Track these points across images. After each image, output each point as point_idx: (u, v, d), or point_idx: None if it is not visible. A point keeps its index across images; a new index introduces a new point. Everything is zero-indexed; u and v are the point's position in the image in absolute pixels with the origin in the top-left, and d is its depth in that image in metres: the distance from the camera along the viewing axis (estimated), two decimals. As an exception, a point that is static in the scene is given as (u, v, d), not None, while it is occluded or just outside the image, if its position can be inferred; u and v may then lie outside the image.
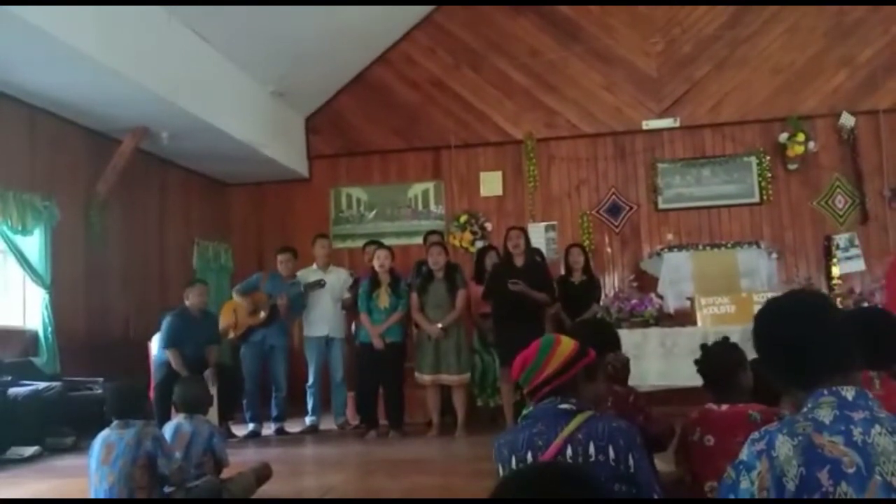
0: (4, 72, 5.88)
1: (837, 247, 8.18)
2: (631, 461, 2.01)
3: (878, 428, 1.40)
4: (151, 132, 7.33)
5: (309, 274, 7.16)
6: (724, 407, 2.66)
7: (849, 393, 1.47)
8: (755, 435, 1.47)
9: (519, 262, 6.29)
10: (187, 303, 6.47)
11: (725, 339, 2.90)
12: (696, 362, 2.88)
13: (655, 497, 2.03)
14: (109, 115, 6.84)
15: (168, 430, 4.02)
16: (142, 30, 6.27)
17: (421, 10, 9.17)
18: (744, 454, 1.46)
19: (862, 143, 8.45)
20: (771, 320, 1.62)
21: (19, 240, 6.34)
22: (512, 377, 2.35)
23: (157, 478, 3.43)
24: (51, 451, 5.80)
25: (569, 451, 2.03)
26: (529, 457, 2.06)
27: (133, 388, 3.76)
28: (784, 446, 1.40)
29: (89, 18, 5.60)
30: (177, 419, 4.11)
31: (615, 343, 3.26)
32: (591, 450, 2.02)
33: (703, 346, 2.93)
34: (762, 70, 8.63)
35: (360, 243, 8.06)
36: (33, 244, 6.47)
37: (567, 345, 2.23)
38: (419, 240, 8.11)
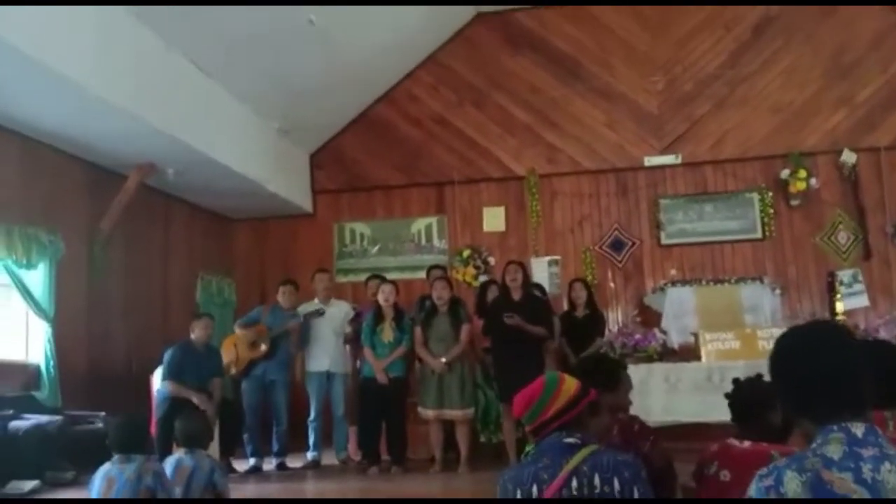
0: (4, 105, 5.86)
1: (841, 283, 8.16)
2: (636, 494, 2.02)
3: (887, 465, 1.39)
4: (157, 168, 7.38)
5: (310, 308, 7.15)
6: (747, 444, 2.63)
7: (858, 430, 1.46)
8: (763, 471, 1.46)
9: (516, 295, 6.28)
10: (192, 336, 6.46)
11: (759, 375, 2.83)
12: (727, 396, 2.87)
13: None
14: (114, 150, 6.88)
15: (169, 464, 4.00)
16: (144, 65, 6.29)
17: (424, 49, 9.30)
18: (752, 490, 1.45)
19: (863, 179, 8.49)
20: (789, 349, 1.62)
21: (23, 273, 6.35)
22: (514, 414, 2.36)
23: None
24: (50, 485, 5.74)
25: (574, 484, 2.03)
26: (535, 490, 2.06)
27: (135, 422, 3.76)
28: (792, 482, 1.39)
29: (91, 54, 5.64)
30: (178, 454, 4.09)
31: (618, 376, 3.28)
32: (597, 482, 2.02)
33: (736, 381, 2.94)
34: (762, 109, 8.72)
35: (363, 277, 8.06)
36: (37, 278, 6.47)
37: (571, 383, 2.26)
38: (422, 274, 8.12)
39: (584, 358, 4.95)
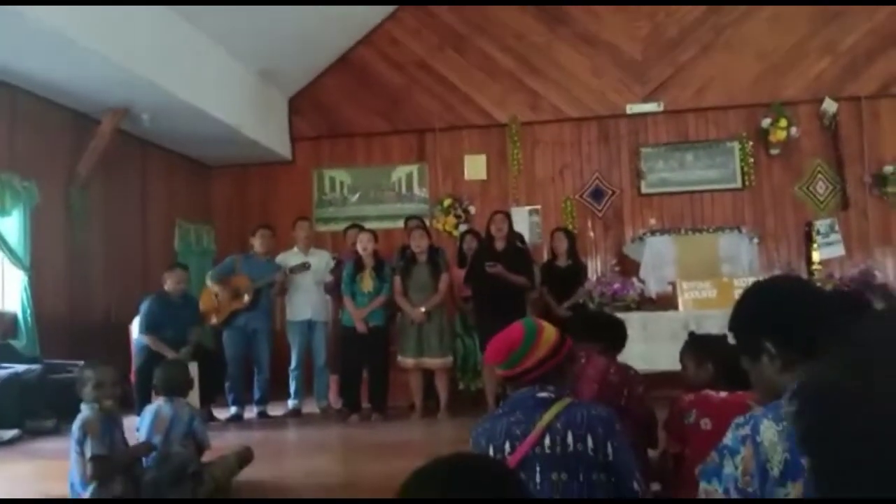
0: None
1: (818, 232, 8.25)
2: (609, 449, 2.01)
3: None
4: (132, 113, 7.24)
5: (290, 257, 7.11)
6: (723, 393, 2.70)
7: None
8: (739, 420, 1.47)
9: (499, 245, 6.32)
10: (166, 287, 6.42)
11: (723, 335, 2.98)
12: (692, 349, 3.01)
13: (635, 485, 2.03)
14: (90, 95, 6.74)
15: (148, 413, 4.00)
16: (122, 9, 6.15)
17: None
18: (728, 438, 1.47)
19: (843, 129, 8.49)
20: (762, 298, 1.61)
21: (-2, 221, 6.26)
22: (487, 360, 2.33)
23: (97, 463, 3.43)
24: (31, 433, 5.76)
25: (547, 441, 2.02)
26: (507, 447, 2.05)
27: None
28: (769, 431, 1.40)
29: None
30: (157, 402, 4.09)
31: (625, 339, 3.38)
32: (570, 439, 2.01)
33: (692, 334, 3.06)
34: (746, 55, 8.64)
35: (343, 226, 8.01)
36: (12, 225, 6.39)
37: (550, 332, 2.21)
38: (403, 223, 8.09)
39: (592, 315, 4.96)
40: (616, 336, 3.42)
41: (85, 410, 3.52)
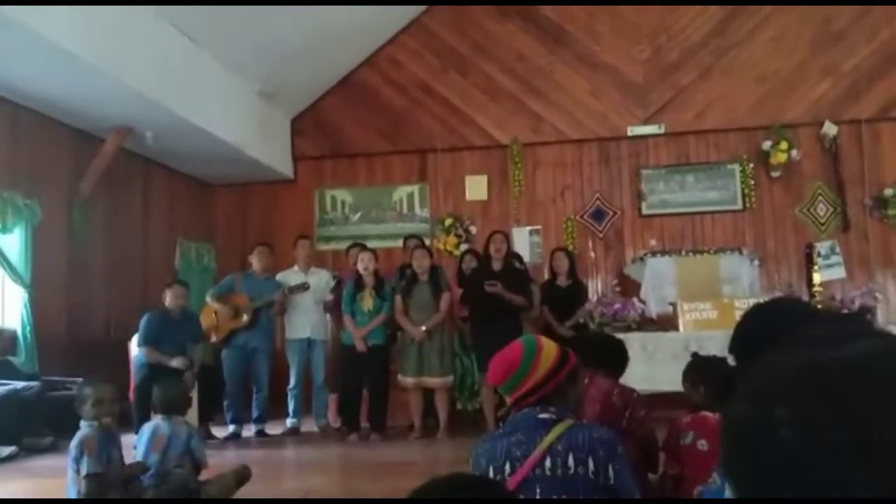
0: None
1: (819, 254, 8.24)
2: (611, 472, 1.99)
3: None
4: (135, 132, 7.27)
5: (290, 276, 7.12)
6: (720, 415, 2.69)
7: None
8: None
9: (497, 265, 6.33)
10: (166, 303, 6.43)
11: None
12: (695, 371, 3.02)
13: None
14: (93, 113, 6.78)
15: (145, 431, 4.00)
16: (127, 28, 6.21)
17: (408, 13, 9.16)
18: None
19: (844, 152, 8.52)
20: (762, 320, 1.61)
21: (-1, 238, 6.27)
22: (489, 381, 2.30)
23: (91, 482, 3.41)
24: (28, 451, 5.73)
25: (547, 463, 1.99)
26: (507, 467, 2.02)
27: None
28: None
29: (74, 15, 5.54)
30: (154, 420, 4.08)
31: (626, 363, 3.37)
32: (571, 462, 1.99)
33: (695, 355, 3.06)
34: (747, 78, 8.69)
35: (344, 245, 8.03)
36: (13, 243, 6.40)
37: (550, 351, 2.16)
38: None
39: (592, 340, 4.91)
40: (618, 360, 3.41)
41: (84, 428, 3.51)
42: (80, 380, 4.28)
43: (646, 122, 8.86)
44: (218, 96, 7.78)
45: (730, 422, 0.63)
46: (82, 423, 3.54)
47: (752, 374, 0.64)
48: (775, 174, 8.59)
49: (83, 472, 3.38)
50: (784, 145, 8.41)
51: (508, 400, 2.20)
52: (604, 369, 3.21)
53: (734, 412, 0.63)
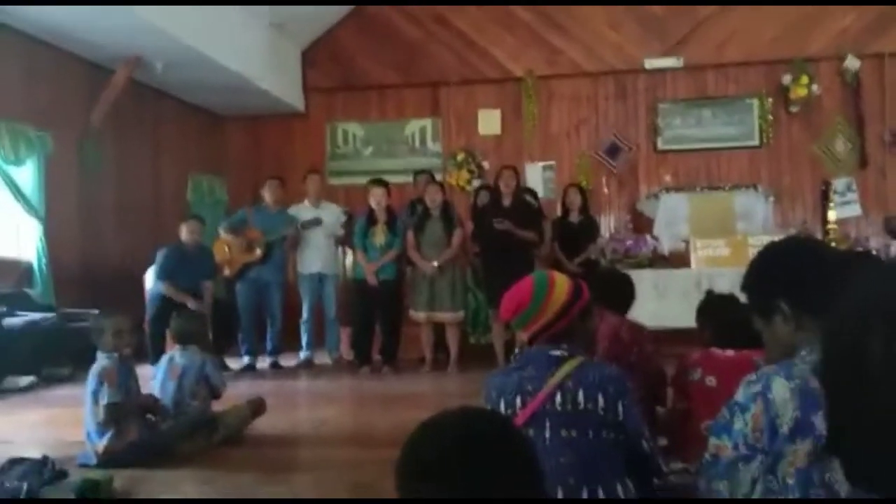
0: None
1: (835, 191, 8.15)
2: (620, 408, 2.00)
3: None
4: (145, 62, 7.19)
5: (301, 210, 7.12)
6: (729, 352, 2.70)
7: None
8: (752, 377, 1.46)
9: (507, 201, 6.30)
10: (182, 237, 6.46)
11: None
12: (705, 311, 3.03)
13: (644, 444, 2.04)
14: (103, 43, 6.69)
15: (162, 362, 4.08)
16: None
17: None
18: (739, 395, 1.46)
19: (865, 86, 8.33)
20: (777, 258, 1.60)
21: (12, 170, 6.28)
22: (502, 317, 2.28)
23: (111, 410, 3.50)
24: (47, 381, 5.85)
25: (558, 398, 2.01)
26: (518, 401, 2.04)
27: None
28: (780, 389, 1.40)
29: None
30: (171, 352, 4.15)
31: (632, 302, 3.38)
32: (581, 398, 2.00)
33: (709, 293, 3.11)
34: (768, 10, 8.41)
35: (356, 180, 8.00)
36: (27, 175, 6.41)
37: (562, 287, 2.14)
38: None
39: (600, 277, 4.90)
40: (624, 297, 3.42)
41: (102, 359, 3.57)
42: (96, 311, 4.34)
43: (664, 54, 8.65)
44: (228, 26, 7.64)
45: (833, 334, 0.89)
46: (99, 355, 3.59)
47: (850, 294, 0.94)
48: (794, 109, 8.43)
49: (103, 401, 3.45)
50: (805, 79, 8.23)
51: (522, 335, 2.19)
52: (609, 306, 3.21)
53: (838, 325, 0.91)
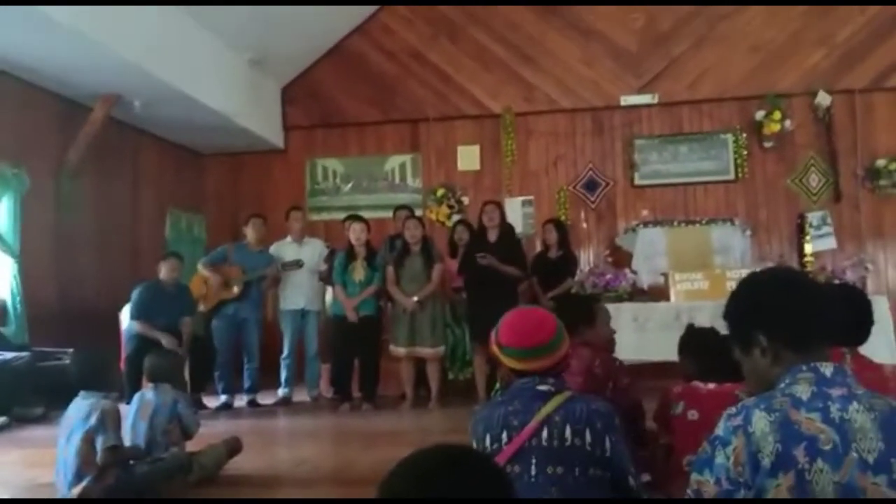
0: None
1: (810, 225, 8.25)
2: (607, 444, 1.99)
3: (855, 405, 1.39)
4: (123, 100, 7.18)
5: (283, 247, 7.08)
6: (711, 385, 2.70)
7: (827, 369, 1.46)
8: (731, 410, 1.46)
9: (492, 236, 6.33)
10: (160, 275, 6.39)
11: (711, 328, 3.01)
12: (687, 343, 3.03)
13: (631, 481, 2.01)
14: (81, 81, 6.69)
15: (134, 401, 4.00)
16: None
17: (400, -20, 9.02)
18: (720, 429, 1.45)
19: (837, 122, 8.48)
20: (756, 290, 1.60)
21: (-13, 208, 6.21)
22: (503, 339, 2.17)
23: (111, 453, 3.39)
24: (19, 421, 5.72)
25: (544, 434, 1.99)
26: (504, 436, 2.02)
27: (99, 357, 3.73)
28: (761, 422, 1.39)
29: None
30: (144, 390, 4.08)
31: (592, 309, 3.36)
32: (568, 433, 1.98)
33: (690, 326, 3.10)
34: (741, 47, 8.61)
35: (336, 216, 7.99)
36: (2, 212, 6.35)
37: (564, 330, 2.19)
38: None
39: (558, 297, 5.00)
40: (581, 313, 3.36)
41: (98, 398, 3.47)
42: (70, 350, 4.26)
43: (640, 91, 8.79)
44: (207, 64, 7.68)
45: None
46: (91, 394, 3.49)
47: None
48: (768, 144, 8.57)
49: (105, 443, 3.36)
50: (777, 115, 8.37)
51: (513, 365, 2.14)
52: (576, 327, 3.15)
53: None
